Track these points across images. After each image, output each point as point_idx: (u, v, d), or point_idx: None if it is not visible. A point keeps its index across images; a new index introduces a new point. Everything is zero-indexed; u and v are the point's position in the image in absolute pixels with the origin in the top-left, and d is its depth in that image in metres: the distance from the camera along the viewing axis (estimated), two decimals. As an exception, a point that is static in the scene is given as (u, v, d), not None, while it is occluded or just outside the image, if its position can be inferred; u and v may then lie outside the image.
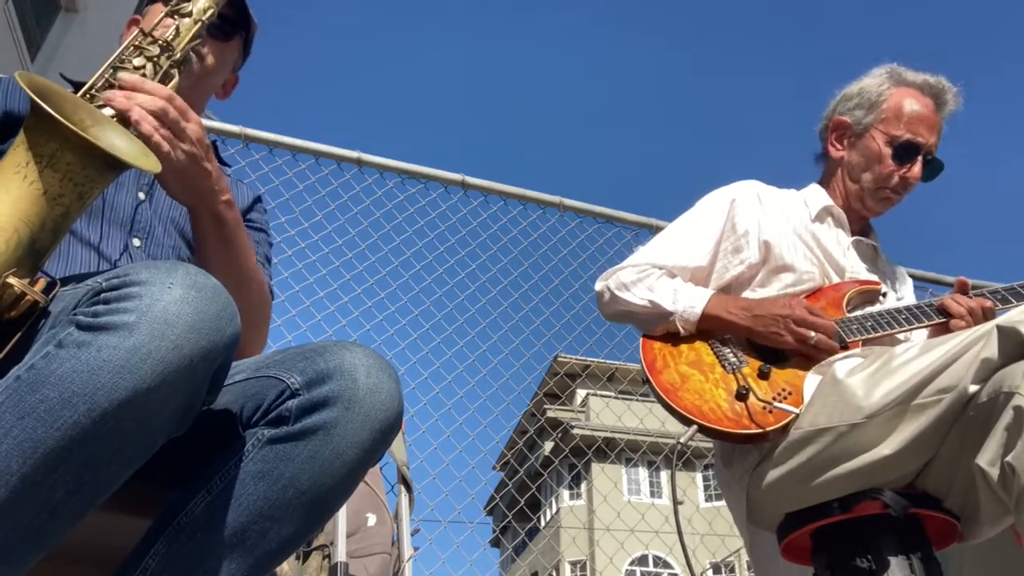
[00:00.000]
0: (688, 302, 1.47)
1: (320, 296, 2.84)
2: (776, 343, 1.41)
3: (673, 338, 1.49)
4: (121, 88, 0.94)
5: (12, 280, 0.76)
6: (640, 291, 1.53)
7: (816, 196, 1.69)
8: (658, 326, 1.50)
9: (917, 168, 1.60)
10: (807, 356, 1.40)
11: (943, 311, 1.48)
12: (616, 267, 1.61)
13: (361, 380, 0.82)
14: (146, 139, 0.91)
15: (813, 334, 1.37)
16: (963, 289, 1.52)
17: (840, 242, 1.64)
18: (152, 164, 0.88)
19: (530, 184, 3.72)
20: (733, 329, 1.46)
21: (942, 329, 1.47)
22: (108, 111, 0.91)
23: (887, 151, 1.60)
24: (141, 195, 1.20)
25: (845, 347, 1.42)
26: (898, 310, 1.50)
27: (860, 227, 1.70)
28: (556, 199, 3.22)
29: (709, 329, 1.48)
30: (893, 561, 1.19)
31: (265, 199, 1.50)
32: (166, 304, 0.70)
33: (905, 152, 1.60)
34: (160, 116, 0.93)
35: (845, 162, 1.68)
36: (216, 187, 1.02)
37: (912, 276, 1.90)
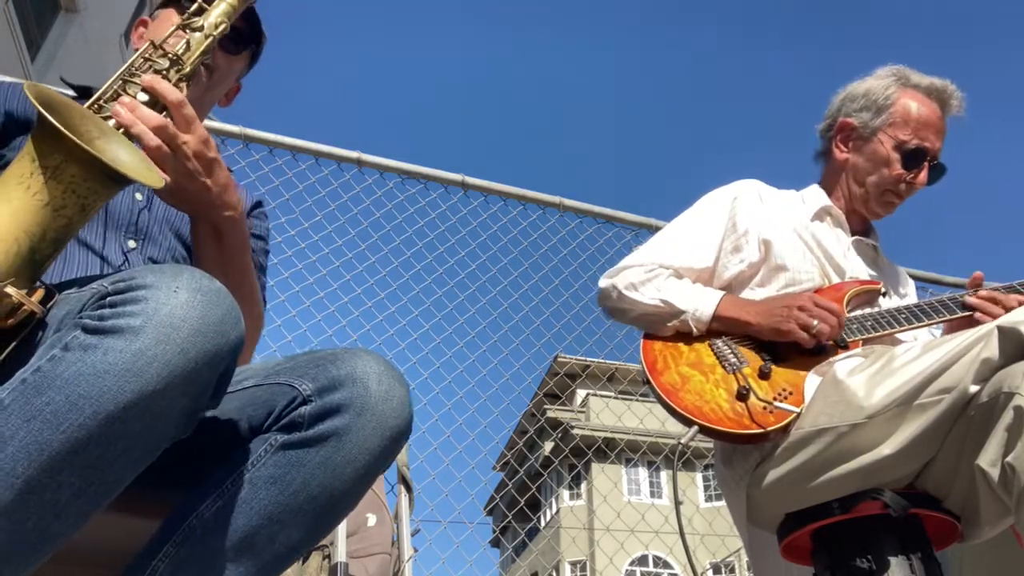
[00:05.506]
0: (700, 302, 1.48)
1: (320, 296, 2.84)
2: (781, 334, 1.40)
3: (674, 339, 1.49)
4: (142, 88, 0.95)
5: (10, 290, 0.76)
6: (649, 291, 1.53)
7: (815, 196, 1.69)
8: (666, 325, 1.49)
9: (924, 174, 1.60)
10: (810, 354, 1.40)
11: (968, 308, 1.49)
12: (621, 265, 1.61)
13: (373, 387, 0.83)
14: (148, 153, 0.91)
15: (815, 322, 1.37)
16: (978, 283, 1.54)
17: (840, 242, 1.64)
18: (155, 179, 0.88)
19: (530, 184, 3.73)
20: (742, 327, 1.46)
21: (960, 324, 1.48)
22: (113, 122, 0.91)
23: (896, 156, 1.61)
24: (139, 196, 1.20)
25: (845, 347, 1.42)
26: (898, 309, 1.50)
27: (861, 227, 1.71)
28: (556, 199, 3.22)
29: (716, 329, 1.48)
30: (893, 561, 1.19)
31: (266, 200, 1.50)
32: (172, 308, 0.70)
33: (914, 158, 1.60)
34: (159, 132, 0.93)
35: (850, 165, 1.68)
36: (217, 202, 1.01)
37: (912, 276, 1.90)
